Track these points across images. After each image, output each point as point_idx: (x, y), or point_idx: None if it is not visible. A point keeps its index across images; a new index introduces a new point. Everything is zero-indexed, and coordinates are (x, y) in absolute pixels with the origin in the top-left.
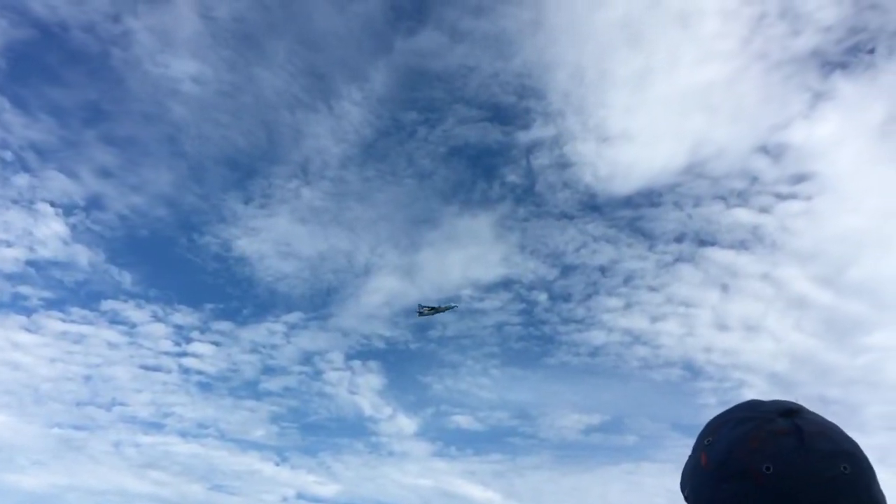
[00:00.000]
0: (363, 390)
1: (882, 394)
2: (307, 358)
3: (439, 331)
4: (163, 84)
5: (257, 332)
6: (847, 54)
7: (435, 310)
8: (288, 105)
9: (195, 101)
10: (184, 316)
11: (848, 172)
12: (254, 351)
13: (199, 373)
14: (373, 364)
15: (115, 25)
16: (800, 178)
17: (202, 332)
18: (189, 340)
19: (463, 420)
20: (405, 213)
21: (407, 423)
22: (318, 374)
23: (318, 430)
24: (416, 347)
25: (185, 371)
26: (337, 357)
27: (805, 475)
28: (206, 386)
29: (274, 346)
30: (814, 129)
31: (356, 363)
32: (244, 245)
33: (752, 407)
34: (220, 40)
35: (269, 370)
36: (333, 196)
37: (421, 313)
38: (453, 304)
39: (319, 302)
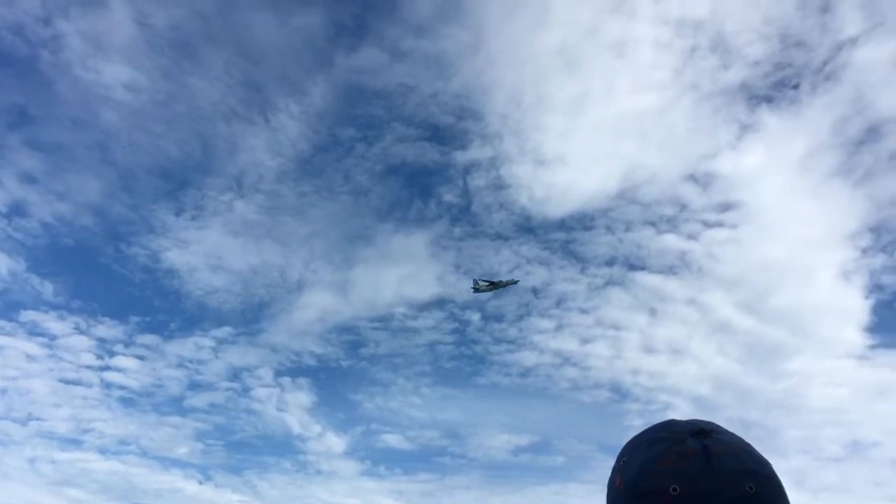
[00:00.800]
0: (292, 408)
1: (800, 418)
2: (235, 374)
3: (371, 348)
4: (93, 90)
5: (184, 347)
6: (773, 89)
7: (494, 285)
8: (224, 116)
9: (127, 109)
10: (108, 328)
11: (771, 203)
12: (180, 366)
13: (122, 387)
14: (303, 381)
15: (45, 28)
16: (726, 207)
17: (126, 345)
18: (112, 354)
19: (393, 439)
20: (340, 229)
21: (336, 442)
22: (246, 391)
23: (245, 448)
24: (347, 365)
25: (107, 385)
26: (266, 373)
27: (710, 495)
28: (129, 401)
29: (201, 361)
30: (740, 160)
31: (286, 380)
32: (174, 257)
33: (666, 427)
34: (156, 48)
35: (195, 386)
36: (268, 210)
37: (476, 289)
38: (515, 280)
39: (250, 317)
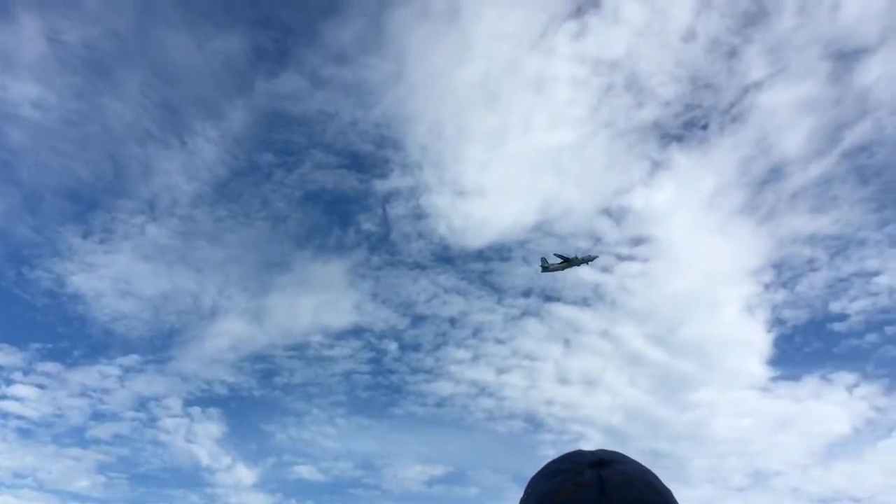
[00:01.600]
0: (201, 438)
1: (706, 448)
2: (142, 403)
3: (285, 377)
4: None
5: (88, 375)
6: (683, 128)
7: (568, 262)
8: (137, 138)
9: (35, 127)
10: (5, 355)
11: (680, 238)
12: (83, 395)
13: (19, 417)
14: (213, 411)
15: None
16: (638, 241)
17: (25, 373)
18: (10, 382)
19: (305, 470)
20: (257, 255)
21: (246, 474)
22: (152, 421)
23: (150, 481)
24: (260, 394)
25: (3, 415)
26: (175, 403)
27: None
28: (26, 432)
29: (106, 391)
30: (652, 196)
31: (195, 410)
32: (80, 281)
33: (569, 458)
34: (68, 66)
35: (98, 416)
36: (181, 234)
37: (546, 268)
38: (594, 255)
39: (159, 344)
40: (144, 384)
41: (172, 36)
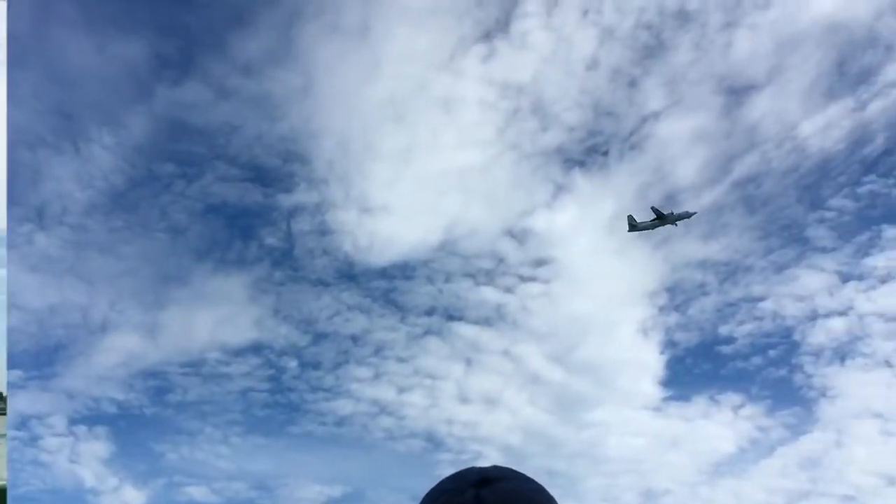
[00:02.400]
0: (86, 459)
1: (600, 467)
2: (23, 422)
3: (179, 395)
4: None
5: None
6: (585, 153)
7: (663, 219)
8: (27, 142)
9: None
10: None
11: (580, 260)
12: None
13: None
14: (100, 430)
15: None
16: (540, 263)
17: None
18: None
19: (197, 492)
20: (153, 268)
21: (134, 495)
22: (33, 441)
23: None
24: (151, 413)
25: None
26: (59, 421)
27: None
28: None
29: None
30: (554, 218)
31: (81, 429)
32: None
33: (457, 478)
34: None
35: None
36: (72, 245)
37: (633, 226)
38: (692, 212)
39: (44, 359)
40: (26, 402)
41: (69, 37)
